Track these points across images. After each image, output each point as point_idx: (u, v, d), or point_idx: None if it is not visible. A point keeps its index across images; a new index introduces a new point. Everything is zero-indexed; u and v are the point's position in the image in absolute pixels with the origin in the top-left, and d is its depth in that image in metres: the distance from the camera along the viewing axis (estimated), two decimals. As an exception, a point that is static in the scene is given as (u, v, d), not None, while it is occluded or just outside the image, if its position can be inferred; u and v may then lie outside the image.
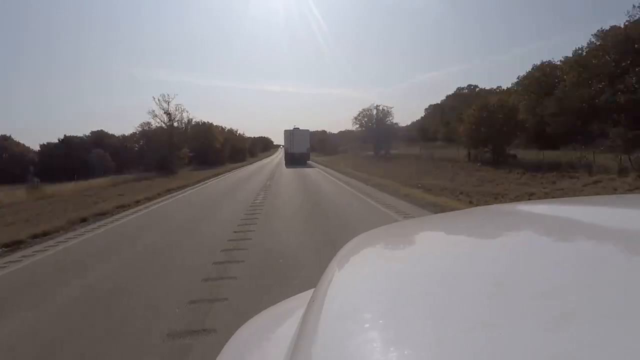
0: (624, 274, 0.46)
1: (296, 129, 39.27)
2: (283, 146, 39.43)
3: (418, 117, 67.86)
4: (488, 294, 0.46)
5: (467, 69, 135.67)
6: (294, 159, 35.20)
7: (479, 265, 0.59)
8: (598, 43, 26.81)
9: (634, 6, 24.89)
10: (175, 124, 32.36)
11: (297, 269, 4.48)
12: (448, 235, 0.87)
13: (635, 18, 24.57)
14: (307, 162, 36.50)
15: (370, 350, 0.39)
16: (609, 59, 24.26)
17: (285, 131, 38.98)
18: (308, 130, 40.33)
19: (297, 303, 0.80)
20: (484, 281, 0.51)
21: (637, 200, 0.90)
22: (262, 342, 0.74)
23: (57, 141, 48.35)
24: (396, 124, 43.39)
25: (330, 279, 0.63)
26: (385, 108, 43.06)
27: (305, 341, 0.45)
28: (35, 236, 6.95)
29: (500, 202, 9.24)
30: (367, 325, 0.43)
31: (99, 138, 51.84)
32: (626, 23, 24.84)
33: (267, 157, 71.66)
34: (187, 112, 36.52)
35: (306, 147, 37.88)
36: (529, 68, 35.66)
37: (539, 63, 34.63)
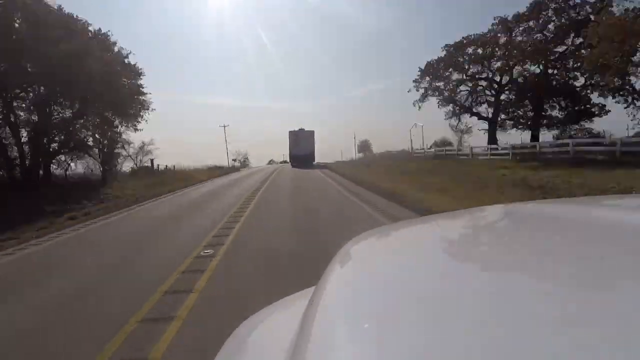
0: (624, 274, 0.46)
1: (301, 129, 38.06)
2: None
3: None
4: (488, 294, 0.46)
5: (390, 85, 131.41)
6: (299, 160, 34.00)
7: (478, 265, 0.59)
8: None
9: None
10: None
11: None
12: (447, 235, 0.87)
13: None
14: (313, 164, 34.86)
15: (371, 351, 0.39)
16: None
17: (290, 132, 37.71)
18: (313, 130, 38.64)
19: (296, 301, 0.80)
20: (484, 281, 0.51)
21: (637, 200, 0.90)
22: (261, 341, 0.74)
23: None
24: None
25: (330, 279, 0.63)
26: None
27: (305, 342, 0.45)
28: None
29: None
30: (367, 326, 0.43)
31: None
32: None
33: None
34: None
35: (311, 149, 36.89)
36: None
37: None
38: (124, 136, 23.18)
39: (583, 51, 19.98)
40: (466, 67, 27.01)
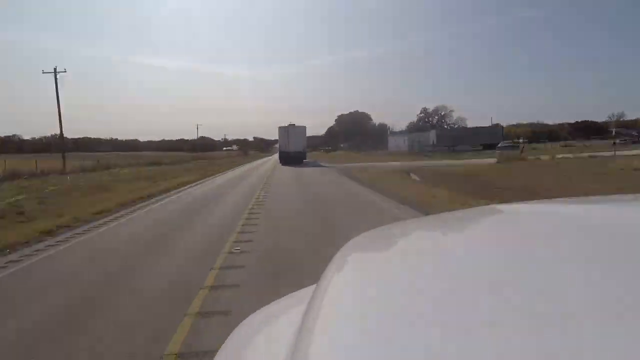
0: (623, 274, 0.46)
1: (291, 125, 35.76)
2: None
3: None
4: (488, 294, 0.47)
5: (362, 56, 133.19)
6: (290, 158, 32.34)
7: (478, 265, 0.59)
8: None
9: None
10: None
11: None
12: (447, 235, 0.87)
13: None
14: (304, 162, 33.29)
15: (371, 351, 0.39)
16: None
17: (280, 128, 35.58)
18: (304, 127, 36.91)
19: (297, 301, 0.80)
20: (484, 281, 0.51)
21: (637, 199, 0.90)
22: (261, 340, 0.74)
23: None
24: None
25: (330, 279, 0.63)
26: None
27: (305, 342, 0.45)
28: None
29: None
30: (367, 326, 0.43)
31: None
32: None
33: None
34: None
35: (302, 146, 34.99)
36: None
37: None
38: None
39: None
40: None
